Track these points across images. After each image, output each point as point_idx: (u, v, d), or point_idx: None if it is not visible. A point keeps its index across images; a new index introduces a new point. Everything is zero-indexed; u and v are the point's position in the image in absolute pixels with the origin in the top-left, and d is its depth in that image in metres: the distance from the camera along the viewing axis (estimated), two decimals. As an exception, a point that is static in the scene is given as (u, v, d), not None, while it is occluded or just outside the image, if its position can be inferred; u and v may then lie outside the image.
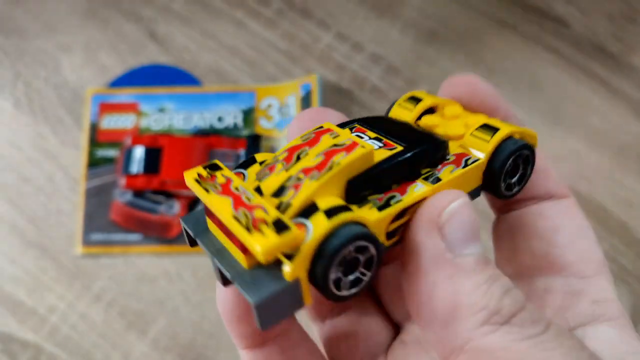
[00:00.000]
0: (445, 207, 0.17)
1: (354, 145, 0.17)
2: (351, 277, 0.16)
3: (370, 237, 0.16)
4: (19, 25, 0.54)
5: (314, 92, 0.49)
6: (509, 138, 0.20)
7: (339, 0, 0.54)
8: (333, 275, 0.15)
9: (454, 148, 0.20)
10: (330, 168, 0.16)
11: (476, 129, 0.20)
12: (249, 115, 0.50)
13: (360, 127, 0.20)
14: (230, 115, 0.50)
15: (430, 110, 0.22)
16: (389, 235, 0.17)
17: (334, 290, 0.16)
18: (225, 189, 0.16)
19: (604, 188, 0.47)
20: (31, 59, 0.53)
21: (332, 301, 0.16)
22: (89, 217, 0.48)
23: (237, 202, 0.16)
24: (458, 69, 0.51)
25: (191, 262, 0.46)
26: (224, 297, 0.19)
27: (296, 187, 0.16)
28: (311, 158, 0.17)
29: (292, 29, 0.53)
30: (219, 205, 0.16)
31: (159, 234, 0.47)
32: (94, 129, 0.50)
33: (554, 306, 0.21)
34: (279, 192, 0.16)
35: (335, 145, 0.17)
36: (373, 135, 0.20)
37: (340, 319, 0.23)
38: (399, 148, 0.18)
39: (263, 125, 0.50)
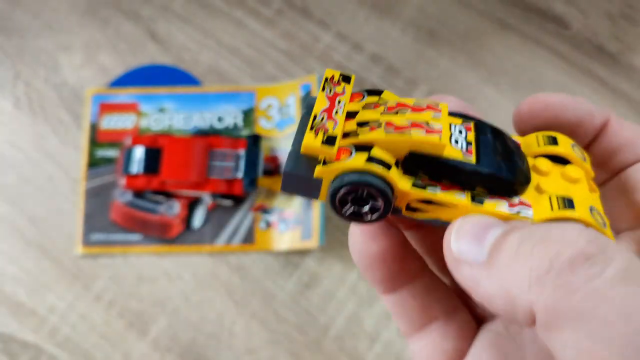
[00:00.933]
0: (451, 232, 0.18)
1: (436, 132, 0.19)
2: (353, 209, 0.19)
3: (385, 194, 0.19)
4: (19, 25, 0.54)
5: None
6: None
7: (339, 0, 0.54)
8: (340, 195, 0.19)
9: (529, 194, 0.20)
10: (403, 134, 0.19)
11: (558, 196, 0.19)
12: (249, 115, 0.50)
13: (470, 127, 0.20)
14: (230, 116, 0.50)
15: (562, 161, 0.21)
16: (410, 208, 0.20)
17: (338, 205, 0.19)
18: (333, 96, 0.20)
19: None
20: (31, 59, 0.53)
21: (335, 212, 0.20)
22: (89, 217, 0.48)
23: (329, 108, 0.20)
24: (458, 69, 0.51)
25: (191, 262, 0.47)
26: (358, 248, 0.21)
27: (373, 128, 0.19)
28: (403, 118, 0.20)
29: (292, 29, 0.53)
30: (319, 103, 0.20)
31: (159, 234, 0.47)
32: (94, 129, 0.50)
33: None
34: (363, 124, 0.20)
35: (426, 122, 0.19)
36: (471, 138, 0.20)
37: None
38: (472, 160, 0.19)
39: (263, 125, 0.50)
